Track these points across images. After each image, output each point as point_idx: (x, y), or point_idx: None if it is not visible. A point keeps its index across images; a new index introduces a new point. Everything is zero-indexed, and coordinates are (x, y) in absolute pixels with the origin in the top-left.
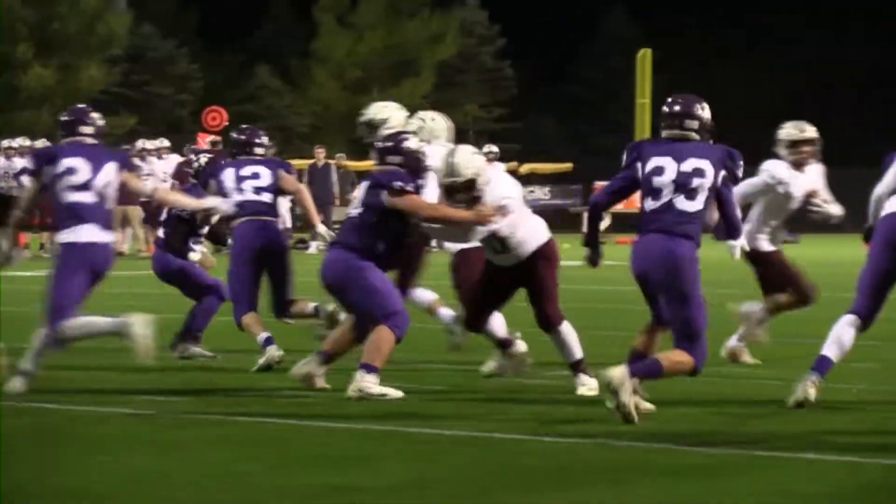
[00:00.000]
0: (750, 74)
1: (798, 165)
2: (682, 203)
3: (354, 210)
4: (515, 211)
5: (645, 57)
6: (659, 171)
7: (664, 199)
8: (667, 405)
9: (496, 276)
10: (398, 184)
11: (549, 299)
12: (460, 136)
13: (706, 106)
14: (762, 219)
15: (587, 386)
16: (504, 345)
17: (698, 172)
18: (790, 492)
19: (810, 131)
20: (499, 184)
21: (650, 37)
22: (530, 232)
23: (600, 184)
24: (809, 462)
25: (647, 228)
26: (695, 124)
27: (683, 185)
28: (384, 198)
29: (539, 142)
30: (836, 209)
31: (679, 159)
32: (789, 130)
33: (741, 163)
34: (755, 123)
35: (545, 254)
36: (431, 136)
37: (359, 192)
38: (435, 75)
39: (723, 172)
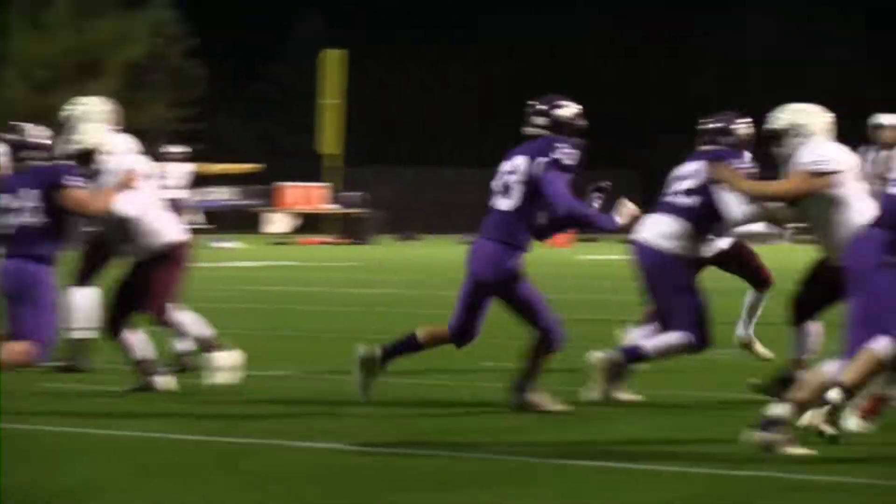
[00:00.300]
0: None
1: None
2: (500, 203)
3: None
4: (142, 189)
5: (331, 57)
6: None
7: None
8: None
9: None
10: (66, 180)
11: (154, 297)
12: (142, 136)
13: (565, 104)
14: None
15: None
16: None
17: (514, 170)
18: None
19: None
20: (124, 156)
21: (341, 38)
22: (158, 227)
23: (285, 185)
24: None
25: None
26: (540, 120)
27: (503, 184)
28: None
29: (226, 142)
30: None
31: (508, 158)
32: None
33: (559, 146)
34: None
35: (169, 254)
36: (85, 119)
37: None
38: (124, 75)
39: (540, 160)
